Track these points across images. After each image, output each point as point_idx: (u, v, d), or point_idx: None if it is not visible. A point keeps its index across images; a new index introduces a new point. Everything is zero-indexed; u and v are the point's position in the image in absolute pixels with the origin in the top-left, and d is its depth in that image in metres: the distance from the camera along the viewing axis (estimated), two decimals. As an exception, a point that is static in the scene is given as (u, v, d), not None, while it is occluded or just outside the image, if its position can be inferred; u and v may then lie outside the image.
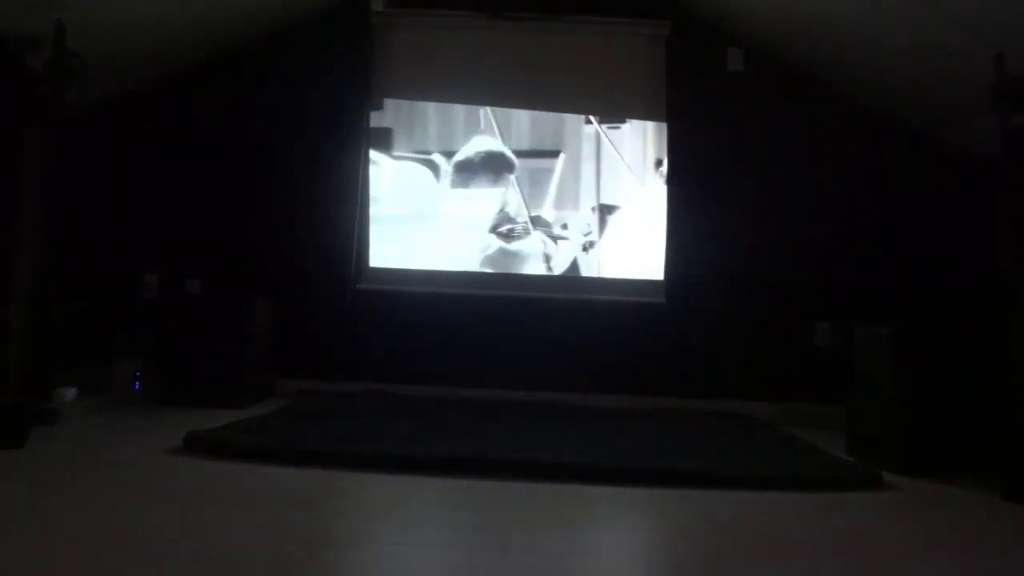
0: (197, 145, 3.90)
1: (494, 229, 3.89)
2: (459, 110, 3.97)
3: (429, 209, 3.94)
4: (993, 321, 2.44)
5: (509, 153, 3.94)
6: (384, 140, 3.96)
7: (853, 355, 2.90)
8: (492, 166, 3.93)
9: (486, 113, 3.96)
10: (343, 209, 3.88)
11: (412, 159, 3.93)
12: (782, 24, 3.60)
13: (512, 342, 3.81)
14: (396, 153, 3.94)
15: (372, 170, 3.90)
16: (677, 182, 3.86)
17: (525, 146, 3.97)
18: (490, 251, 3.91)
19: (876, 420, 2.71)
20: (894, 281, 3.72)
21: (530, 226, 3.87)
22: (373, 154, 3.91)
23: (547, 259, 3.91)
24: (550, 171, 3.94)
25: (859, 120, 3.84)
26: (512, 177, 3.92)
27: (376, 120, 3.94)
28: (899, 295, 3.68)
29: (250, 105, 3.94)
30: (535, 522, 1.91)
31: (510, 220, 3.88)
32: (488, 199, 3.93)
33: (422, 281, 3.88)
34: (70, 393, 2.96)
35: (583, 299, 3.83)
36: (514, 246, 3.88)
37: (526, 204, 3.89)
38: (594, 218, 3.90)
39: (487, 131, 3.96)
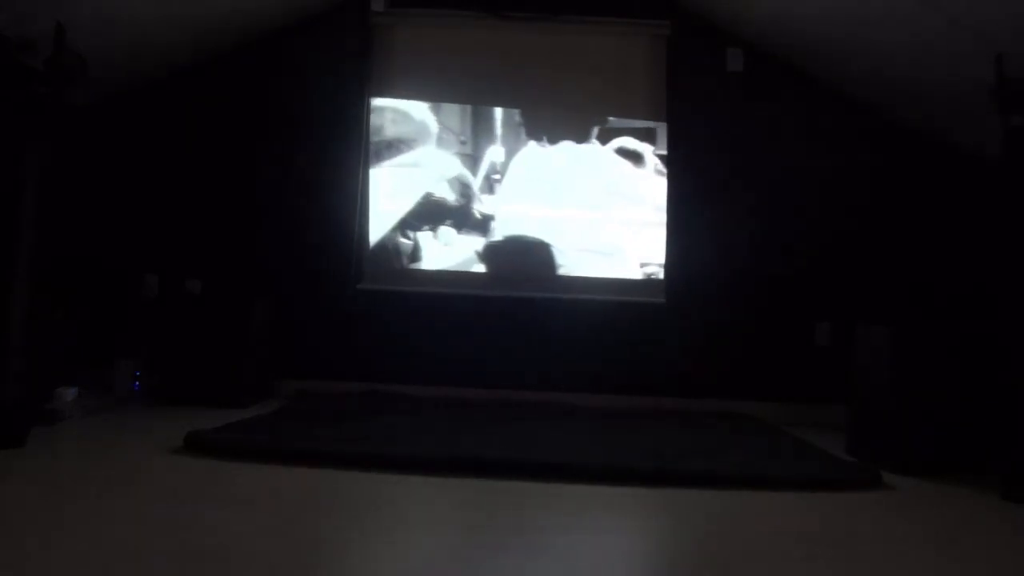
0: (197, 144, 3.90)
1: None
2: None
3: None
4: (993, 321, 2.44)
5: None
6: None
7: (853, 355, 2.90)
8: None
9: None
10: (343, 209, 3.89)
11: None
12: (781, 24, 3.60)
13: (512, 342, 3.81)
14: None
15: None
16: (677, 182, 3.87)
17: None
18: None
19: (876, 420, 2.71)
20: (894, 281, 3.73)
21: None
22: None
23: None
24: None
25: (858, 120, 3.85)
26: None
27: None
28: (899, 295, 3.69)
29: (250, 104, 3.94)
30: (535, 522, 1.91)
31: None
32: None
33: (422, 281, 3.89)
34: (70, 393, 2.96)
35: (583, 299, 3.83)
36: None
37: None
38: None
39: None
